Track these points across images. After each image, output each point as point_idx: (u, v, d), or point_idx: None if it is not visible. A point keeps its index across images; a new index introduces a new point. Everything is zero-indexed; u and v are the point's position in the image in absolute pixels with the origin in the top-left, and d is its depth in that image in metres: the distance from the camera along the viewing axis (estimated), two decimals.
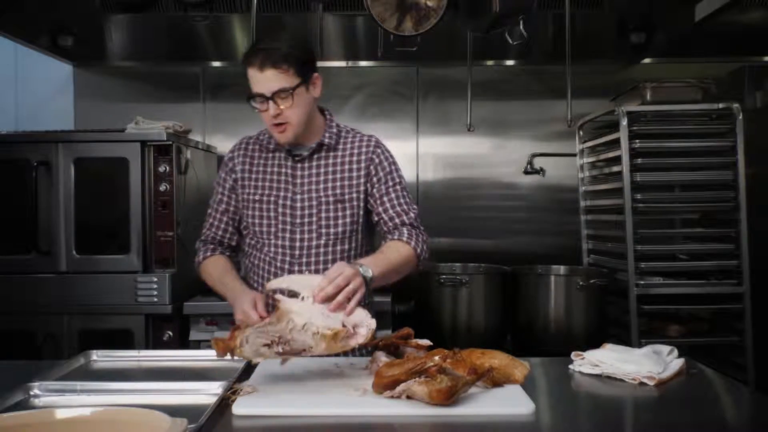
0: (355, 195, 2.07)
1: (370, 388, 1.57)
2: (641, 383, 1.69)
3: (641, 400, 1.62)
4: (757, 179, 3.10)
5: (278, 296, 1.67)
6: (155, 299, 3.02)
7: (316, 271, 2.02)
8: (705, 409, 1.60)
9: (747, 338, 2.95)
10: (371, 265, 1.85)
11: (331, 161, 2.08)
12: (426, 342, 1.79)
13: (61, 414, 1.14)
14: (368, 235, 2.16)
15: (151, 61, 3.92)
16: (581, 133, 3.54)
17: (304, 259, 2.06)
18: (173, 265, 3.06)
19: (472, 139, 3.80)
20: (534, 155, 3.64)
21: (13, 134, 3.26)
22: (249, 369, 1.76)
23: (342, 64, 3.91)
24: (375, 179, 2.09)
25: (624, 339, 2.95)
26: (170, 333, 3.04)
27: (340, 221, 2.07)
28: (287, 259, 2.06)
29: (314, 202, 2.06)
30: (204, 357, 1.97)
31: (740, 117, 2.96)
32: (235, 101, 3.73)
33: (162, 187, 3.06)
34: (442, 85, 3.88)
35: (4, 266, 3.06)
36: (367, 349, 1.93)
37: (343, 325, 1.60)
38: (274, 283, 1.79)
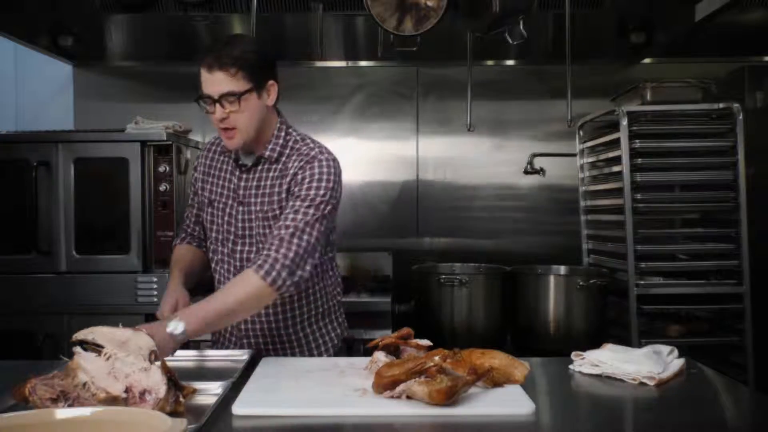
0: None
1: (370, 388, 1.57)
2: (641, 383, 1.68)
3: (641, 400, 1.62)
4: (757, 179, 3.11)
5: (76, 348, 1.53)
6: (155, 299, 3.01)
7: None
8: (705, 409, 1.59)
9: (747, 338, 2.95)
10: (185, 320, 1.66)
11: (270, 174, 1.97)
12: (426, 342, 1.78)
13: (61, 414, 1.14)
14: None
15: (151, 61, 3.92)
16: (581, 133, 3.54)
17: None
18: None
19: (472, 139, 3.80)
20: (534, 155, 3.64)
21: (13, 134, 3.26)
22: (249, 369, 1.76)
23: (342, 64, 3.90)
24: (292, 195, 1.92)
25: (624, 339, 2.94)
26: None
27: None
28: (231, 269, 2.03)
29: (253, 216, 1.98)
30: (204, 357, 1.97)
31: (740, 117, 2.96)
32: None
33: (162, 187, 3.06)
34: (442, 85, 3.88)
35: (4, 266, 3.06)
36: (368, 348, 1.92)
37: (128, 390, 1.46)
38: (81, 334, 1.58)
